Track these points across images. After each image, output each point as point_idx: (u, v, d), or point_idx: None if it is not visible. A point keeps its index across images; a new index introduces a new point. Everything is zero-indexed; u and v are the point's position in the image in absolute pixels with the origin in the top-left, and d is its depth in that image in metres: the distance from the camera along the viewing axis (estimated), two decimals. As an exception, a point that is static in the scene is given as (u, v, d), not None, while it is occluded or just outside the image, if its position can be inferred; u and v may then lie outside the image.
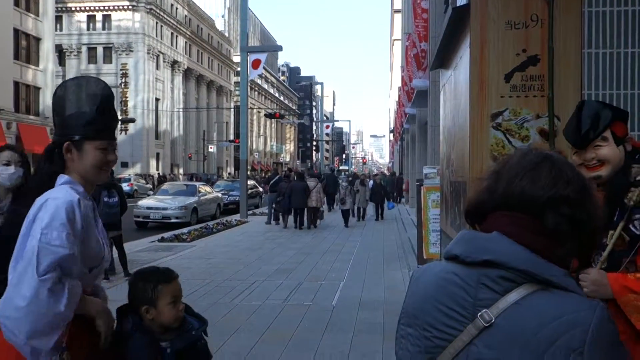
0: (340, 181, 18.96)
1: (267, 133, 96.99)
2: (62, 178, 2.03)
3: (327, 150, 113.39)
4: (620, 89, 4.03)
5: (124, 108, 54.33)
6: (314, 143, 78.08)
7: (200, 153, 65.57)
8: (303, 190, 16.05)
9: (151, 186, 39.57)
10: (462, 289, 1.10)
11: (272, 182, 18.29)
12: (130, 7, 55.77)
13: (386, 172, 53.70)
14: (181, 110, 64.43)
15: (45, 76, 39.40)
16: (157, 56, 59.17)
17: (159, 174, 50.62)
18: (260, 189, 26.59)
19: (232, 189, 24.35)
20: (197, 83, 70.39)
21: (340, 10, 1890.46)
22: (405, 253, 11.39)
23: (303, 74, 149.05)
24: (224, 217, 19.38)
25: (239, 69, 22.38)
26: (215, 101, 75.57)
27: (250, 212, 21.07)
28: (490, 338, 1.04)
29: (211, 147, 65.92)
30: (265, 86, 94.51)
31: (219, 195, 21.88)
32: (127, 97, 55.07)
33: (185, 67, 66.07)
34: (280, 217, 17.07)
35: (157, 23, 58.74)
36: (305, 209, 16.41)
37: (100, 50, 56.66)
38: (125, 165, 53.61)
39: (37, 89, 38.76)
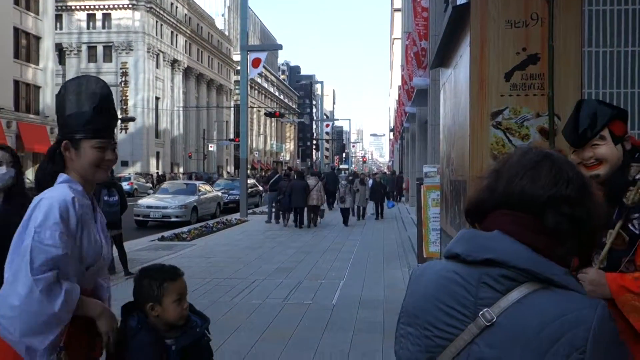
0: (341, 180, 18.93)
1: (267, 132, 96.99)
2: (61, 177, 2.05)
3: (327, 149, 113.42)
4: (621, 88, 4.03)
5: (124, 107, 54.33)
6: (314, 142, 78.09)
7: (200, 152, 65.57)
8: (303, 189, 16.08)
9: (151, 185, 39.56)
10: (463, 288, 1.09)
11: (271, 181, 18.29)
12: (130, 5, 55.75)
13: (386, 170, 53.70)
14: (181, 109, 64.43)
15: (45, 75, 39.40)
16: (157, 55, 59.16)
17: (157, 173, 50.53)
18: (260, 188, 26.59)
19: (232, 188, 24.35)
20: (197, 82, 70.38)
21: (341, 9, 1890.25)
22: (405, 252, 11.39)
23: (303, 72, 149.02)
24: (224, 216, 19.39)
25: (239, 67, 22.37)
26: (215, 100, 75.56)
27: (250, 211, 21.07)
28: (492, 337, 1.03)
29: (211, 146, 65.94)
30: (266, 85, 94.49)
31: (219, 194, 21.87)
32: (127, 96, 55.06)
33: (185, 65, 66.05)
34: (281, 216, 17.09)
35: (157, 22, 58.72)
36: (306, 207, 16.44)
37: (100, 49, 56.64)
38: (125, 164, 53.61)
39: (37, 87, 38.75)
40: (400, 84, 24.83)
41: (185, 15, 67.12)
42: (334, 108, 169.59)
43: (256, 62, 19.78)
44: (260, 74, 75.91)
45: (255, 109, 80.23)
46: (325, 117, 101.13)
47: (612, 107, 2.17)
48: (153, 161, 58.04)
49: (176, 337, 2.14)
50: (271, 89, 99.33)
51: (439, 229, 7.66)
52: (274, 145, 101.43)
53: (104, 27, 56.67)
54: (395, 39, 52.40)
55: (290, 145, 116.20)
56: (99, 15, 56.66)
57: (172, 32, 62.73)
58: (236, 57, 73.37)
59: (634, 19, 4.01)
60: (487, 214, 1.17)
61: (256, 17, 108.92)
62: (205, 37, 72.49)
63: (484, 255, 1.08)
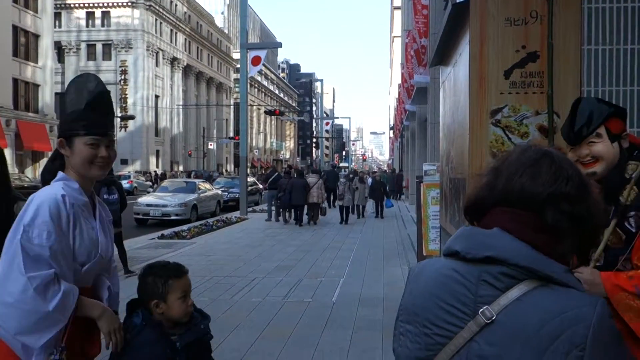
0: (340, 178, 18.92)
1: (267, 130, 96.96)
2: (59, 175, 2.07)
3: (327, 147, 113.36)
4: (620, 86, 4.02)
5: (124, 105, 54.29)
6: (314, 140, 78.00)
7: (200, 150, 65.53)
8: (303, 187, 16.12)
9: (151, 183, 39.54)
10: (462, 286, 1.09)
11: (270, 179, 18.29)
12: (129, 3, 55.68)
13: (386, 169, 53.68)
14: (181, 107, 64.38)
15: (44, 73, 39.35)
16: (157, 53, 59.11)
17: (155, 172, 50.43)
18: (260, 186, 26.59)
19: (232, 186, 24.35)
20: (196, 80, 70.33)
21: (340, 7, 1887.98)
22: (405, 250, 11.40)
23: (303, 70, 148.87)
24: (224, 214, 19.40)
25: (238, 65, 22.33)
26: (214, 98, 75.50)
27: (250, 209, 21.08)
28: (492, 335, 1.03)
29: (211, 144, 65.88)
30: (265, 83, 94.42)
31: (219, 192, 21.87)
32: (126, 94, 55.02)
33: (185, 64, 65.99)
34: (281, 213, 17.11)
35: (156, 20, 58.65)
36: (306, 205, 16.45)
37: (99, 47, 56.57)
38: (125, 162, 53.59)
39: (36, 86, 38.71)
40: (400, 82, 24.82)
41: (185, 13, 67.05)
42: (333, 106, 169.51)
43: (256, 60, 19.76)
44: (260, 72, 75.84)
45: (255, 107, 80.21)
46: (325, 115, 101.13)
47: (609, 105, 2.17)
48: (153, 159, 58.02)
49: (180, 334, 2.14)
50: (271, 87, 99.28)
51: (439, 226, 7.67)
52: (274, 144, 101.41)
53: (103, 25, 56.60)
54: (395, 37, 52.35)
55: (290, 144, 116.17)
56: (98, 13, 56.59)
57: (171, 30, 62.66)
58: (236, 55, 73.33)
59: (634, 17, 4.01)
60: (487, 212, 1.17)
61: (256, 15, 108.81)
62: (204, 35, 72.42)
63: (483, 253, 1.08)
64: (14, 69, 35.63)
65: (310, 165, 67.63)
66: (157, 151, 59.89)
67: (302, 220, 16.38)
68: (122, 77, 55.16)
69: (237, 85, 75.15)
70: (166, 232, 13.51)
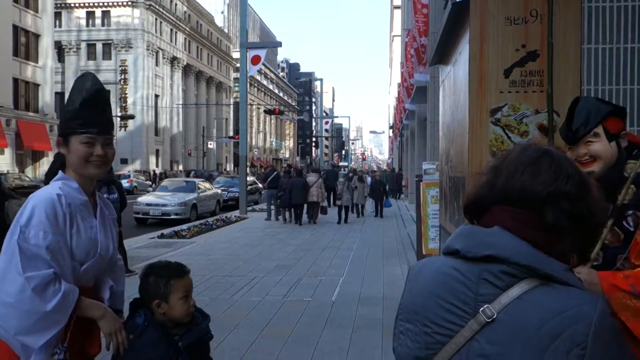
0: (339, 177, 18.89)
1: (266, 129, 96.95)
2: (58, 175, 2.07)
3: (326, 147, 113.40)
4: (620, 85, 4.02)
5: (124, 104, 54.29)
6: (314, 139, 78.01)
7: (199, 149, 65.53)
8: (302, 186, 16.14)
9: (150, 183, 39.53)
10: (463, 285, 1.09)
11: (269, 178, 18.29)
12: (129, 3, 55.68)
13: (386, 168, 53.69)
14: (180, 106, 64.37)
15: (45, 73, 39.35)
16: (157, 52, 59.10)
17: (153, 171, 50.35)
18: (260, 185, 26.60)
19: (231, 185, 24.36)
20: (196, 79, 70.32)
21: (340, 7, 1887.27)
22: (405, 249, 11.40)
23: (302, 70, 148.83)
24: (224, 213, 19.40)
25: (238, 65, 22.35)
26: (214, 97, 75.51)
27: (250, 208, 21.08)
28: (492, 333, 1.03)
29: (211, 144, 65.88)
30: (265, 82, 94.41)
31: (219, 191, 21.87)
32: (126, 94, 55.02)
33: (185, 63, 65.99)
34: (281, 212, 17.11)
35: (156, 19, 58.64)
36: (305, 204, 16.46)
37: (99, 46, 56.57)
38: (124, 161, 53.60)
39: (37, 85, 38.71)
40: (399, 81, 24.82)
41: (185, 12, 67.03)
42: (333, 105, 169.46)
43: (255, 60, 19.77)
44: (259, 72, 75.84)
45: (254, 107, 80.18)
46: (324, 114, 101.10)
47: (608, 104, 2.17)
48: (152, 159, 58.02)
49: (182, 334, 2.14)
50: (271, 87, 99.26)
51: (438, 225, 7.67)
52: (274, 143, 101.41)
53: (103, 25, 56.59)
54: (394, 36, 52.34)
55: (289, 143, 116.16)
56: (98, 12, 56.58)
57: (171, 30, 62.65)
58: (235, 55, 73.30)
59: (634, 16, 4.01)
60: (486, 210, 1.17)
61: (255, 15, 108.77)
62: (204, 35, 72.41)
63: (484, 252, 1.08)
64: (14, 69, 35.63)
65: (310, 164, 67.65)
66: (157, 150, 59.89)
67: (301, 220, 16.39)
68: (122, 76, 55.15)
69: (236, 84, 75.13)
70: (166, 231, 13.51)
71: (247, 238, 13.04)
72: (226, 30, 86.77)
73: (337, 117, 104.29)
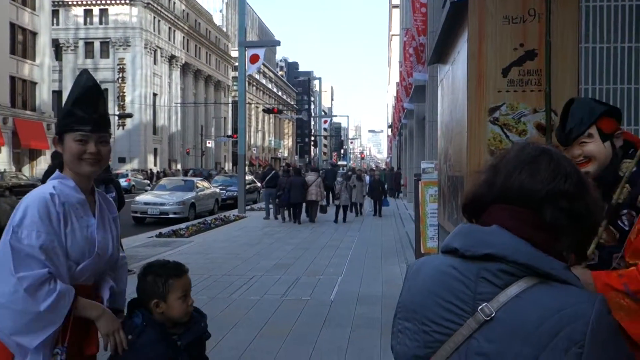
0: (337, 177, 18.88)
1: (265, 128, 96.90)
2: (55, 174, 2.07)
3: (325, 146, 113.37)
4: (617, 84, 4.03)
5: (121, 103, 54.20)
6: (312, 138, 78.04)
7: (198, 148, 65.48)
8: (301, 185, 16.15)
9: (148, 182, 39.48)
10: (461, 283, 1.10)
11: (267, 178, 18.29)
12: (127, 1, 55.59)
13: (384, 166, 53.71)
14: (179, 105, 64.29)
15: (42, 71, 39.29)
16: (155, 51, 59.00)
17: (151, 170, 50.25)
18: (258, 184, 26.60)
19: (230, 184, 24.35)
20: (195, 78, 70.24)
21: (339, 6, 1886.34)
22: (403, 248, 11.41)
23: (301, 69, 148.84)
24: (222, 212, 19.39)
25: (237, 63, 22.34)
26: (213, 96, 75.44)
27: (249, 207, 21.08)
28: (491, 332, 1.04)
29: (209, 143, 65.84)
30: (264, 81, 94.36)
31: (217, 190, 21.86)
32: (124, 92, 54.92)
33: (183, 62, 65.91)
34: (280, 211, 17.12)
35: (154, 17, 58.55)
36: (304, 203, 16.48)
37: (97, 44, 56.45)
38: (122, 160, 53.55)
39: (34, 83, 38.64)
40: (398, 80, 24.82)
41: (183, 11, 66.94)
42: (332, 104, 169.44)
43: (254, 58, 19.75)
44: (258, 70, 75.78)
45: (253, 105, 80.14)
46: (323, 113, 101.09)
47: (601, 104, 2.18)
48: (151, 158, 57.96)
49: (180, 334, 2.13)
50: (269, 85, 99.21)
51: (437, 224, 7.68)
52: (272, 142, 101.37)
53: (101, 23, 56.48)
54: (393, 35, 52.33)
55: (288, 142, 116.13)
56: (95, 10, 56.47)
57: (169, 28, 62.56)
58: (234, 53, 73.21)
59: (631, 15, 4.01)
60: (485, 209, 1.18)
61: (254, 13, 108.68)
62: (203, 33, 72.33)
63: (483, 250, 1.09)
64: (11, 67, 35.57)
65: (309, 163, 67.62)
66: (155, 149, 59.83)
67: (300, 218, 16.40)
68: (120, 75, 55.06)
69: (235, 83, 75.10)
70: (164, 230, 13.50)
71: (245, 237, 13.04)
72: (225, 29, 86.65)
73: (335, 116, 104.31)
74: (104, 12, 56.47)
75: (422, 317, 1.13)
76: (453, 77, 5.16)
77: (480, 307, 1.06)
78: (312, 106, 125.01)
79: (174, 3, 64.38)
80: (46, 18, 39.87)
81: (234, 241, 12.28)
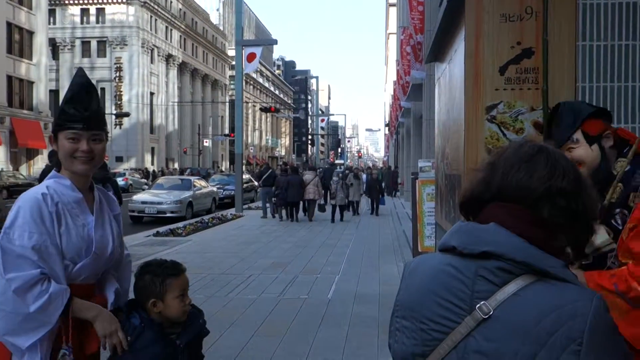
0: (333, 176, 18.86)
1: (262, 127, 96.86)
2: (51, 173, 2.05)
3: (322, 145, 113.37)
4: (615, 82, 4.03)
5: (119, 102, 54.11)
6: (309, 137, 77.98)
7: (195, 147, 65.42)
8: (299, 184, 16.17)
9: (146, 181, 39.42)
10: (459, 281, 1.09)
11: (264, 176, 18.28)
12: (124, 0, 55.46)
13: (382, 165, 53.74)
14: (176, 104, 64.22)
15: (39, 70, 39.20)
16: (152, 50, 58.91)
17: (146, 169, 50.12)
18: (256, 183, 26.59)
19: (227, 183, 24.33)
20: (192, 77, 70.16)
21: (336, 4, 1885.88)
22: (401, 246, 11.41)
23: (298, 67, 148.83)
24: (220, 211, 19.38)
25: (233, 62, 22.32)
26: (210, 95, 75.36)
27: (246, 206, 21.07)
28: (489, 330, 1.03)
29: (206, 142, 65.78)
30: (261, 80, 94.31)
31: (214, 189, 21.85)
32: (121, 91, 54.84)
33: (180, 60, 65.82)
34: (278, 210, 17.13)
35: (151, 17, 58.45)
36: (302, 201, 16.48)
37: (94, 44, 56.36)
38: (120, 159, 53.50)
39: (31, 83, 38.56)
40: (395, 79, 24.83)
41: (180, 9, 66.83)
42: (329, 103, 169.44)
43: (251, 57, 19.74)
44: (255, 70, 75.68)
45: (250, 104, 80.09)
46: (320, 112, 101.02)
47: (588, 106, 2.18)
48: (148, 157, 57.89)
49: (179, 333, 2.12)
50: (266, 84, 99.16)
51: (434, 223, 7.68)
52: (269, 141, 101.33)
53: (97, 22, 56.37)
54: (390, 33, 52.35)
55: (285, 141, 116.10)
56: (92, 10, 56.36)
57: (166, 27, 62.47)
58: (231, 52, 73.21)
59: (628, 13, 4.02)
60: (482, 207, 1.17)
61: (251, 12, 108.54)
62: (200, 32, 72.23)
63: (481, 248, 1.08)
64: (8, 66, 35.49)
65: (306, 162, 67.61)
66: (152, 148, 59.76)
67: (297, 217, 16.39)
68: (117, 74, 54.95)
69: (232, 82, 74.96)
70: (161, 229, 13.48)
71: (243, 236, 13.03)
72: (221, 28, 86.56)
73: (333, 114, 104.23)
74: (100, 11, 56.36)
75: (420, 315, 1.13)
76: (450, 75, 5.15)
77: (478, 305, 1.05)
78: (309, 105, 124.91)
79: (171, 2, 64.28)
80: (43, 17, 39.77)
81: (231, 240, 12.27)
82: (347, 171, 20.31)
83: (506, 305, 1.03)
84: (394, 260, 9.67)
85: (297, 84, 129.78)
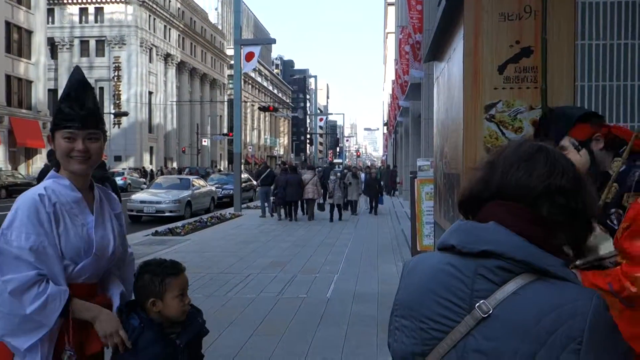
0: (331, 175, 18.85)
1: (261, 126, 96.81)
2: (50, 173, 2.04)
3: (321, 144, 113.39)
4: (614, 81, 4.04)
5: (117, 101, 54.06)
6: (308, 136, 78.01)
7: (194, 147, 65.38)
8: (297, 183, 16.17)
9: (144, 180, 39.39)
10: (458, 280, 1.09)
11: (262, 176, 18.27)
12: (122, 0, 55.39)
13: (380, 164, 53.75)
14: (174, 103, 64.16)
15: (37, 69, 39.16)
16: (150, 49, 58.84)
17: (144, 168, 50.04)
18: (254, 183, 26.59)
19: (226, 183, 24.32)
20: (190, 76, 70.09)
21: (334, 4, 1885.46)
22: (399, 245, 11.42)
23: (297, 67, 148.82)
24: (218, 210, 19.37)
25: (232, 62, 22.32)
26: (208, 94, 75.31)
27: (245, 205, 21.06)
28: (489, 329, 1.03)
29: (205, 141, 65.74)
30: (259, 79, 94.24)
31: (213, 188, 21.84)
32: (120, 91, 54.77)
33: (179, 60, 65.75)
34: (277, 209, 17.13)
35: (149, 16, 58.38)
36: (301, 201, 16.48)
37: (92, 43, 56.27)
38: (118, 159, 53.45)
39: (29, 82, 38.52)
40: (394, 78, 24.83)
41: (179, 9, 66.77)
42: (327, 102, 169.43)
43: (249, 56, 19.73)
44: (254, 69, 75.67)
45: (249, 104, 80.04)
46: (319, 111, 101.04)
47: (574, 113, 2.17)
48: (147, 156, 57.84)
49: (178, 332, 2.11)
50: (265, 84, 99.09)
51: (433, 222, 7.69)
52: (268, 140, 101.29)
53: (96, 21, 56.28)
54: (388, 33, 52.35)
55: (284, 140, 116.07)
56: (91, 9, 56.27)
57: (165, 26, 62.39)
58: (229, 52, 73.19)
59: (627, 12, 4.02)
60: (482, 206, 1.17)
61: (249, 11, 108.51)
62: (198, 31, 72.16)
63: (480, 247, 1.08)
64: (6, 66, 35.45)
65: (305, 161, 67.67)
66: (151, 148, 59.71)
67: (296, 216, 16.39)
68: (116, 73, 54.89)
69: (231, 81, 75.01)
70: (160, 228, 13.48)
71: (241, 235, 13.03)
72: (220, 27, 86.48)
73: (331, 114, 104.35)
74: (99, 11, 56.27)
75: (419, 314, 1.13)
76: (449, 74, 5.15)
77: (478, 304, 1.05)
78: (308, 104, 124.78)
79: (169, 1, 64.21)
80: (41, 16, 39.72)
81: (230, 239, 12.27)
82: (345, 170, 20.29)
83: (506, 304, 1.03)
84: (392, 260, 9.67)
85: (295, 83, 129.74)
